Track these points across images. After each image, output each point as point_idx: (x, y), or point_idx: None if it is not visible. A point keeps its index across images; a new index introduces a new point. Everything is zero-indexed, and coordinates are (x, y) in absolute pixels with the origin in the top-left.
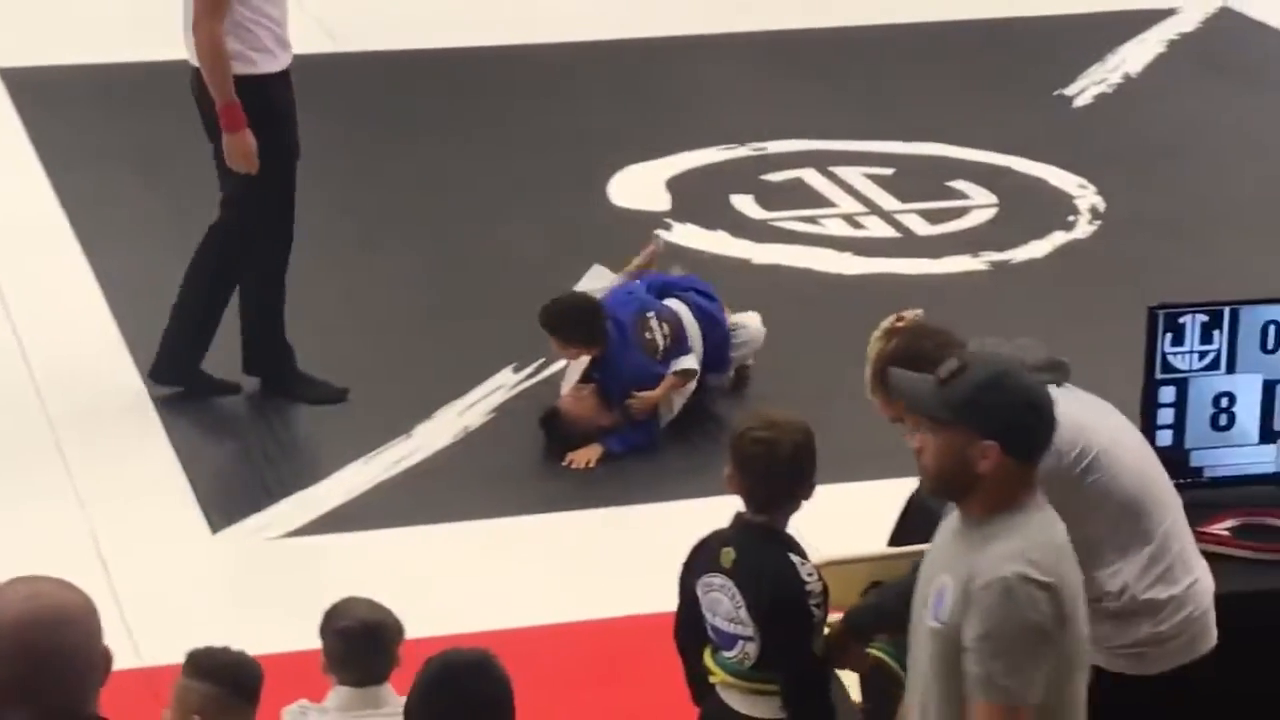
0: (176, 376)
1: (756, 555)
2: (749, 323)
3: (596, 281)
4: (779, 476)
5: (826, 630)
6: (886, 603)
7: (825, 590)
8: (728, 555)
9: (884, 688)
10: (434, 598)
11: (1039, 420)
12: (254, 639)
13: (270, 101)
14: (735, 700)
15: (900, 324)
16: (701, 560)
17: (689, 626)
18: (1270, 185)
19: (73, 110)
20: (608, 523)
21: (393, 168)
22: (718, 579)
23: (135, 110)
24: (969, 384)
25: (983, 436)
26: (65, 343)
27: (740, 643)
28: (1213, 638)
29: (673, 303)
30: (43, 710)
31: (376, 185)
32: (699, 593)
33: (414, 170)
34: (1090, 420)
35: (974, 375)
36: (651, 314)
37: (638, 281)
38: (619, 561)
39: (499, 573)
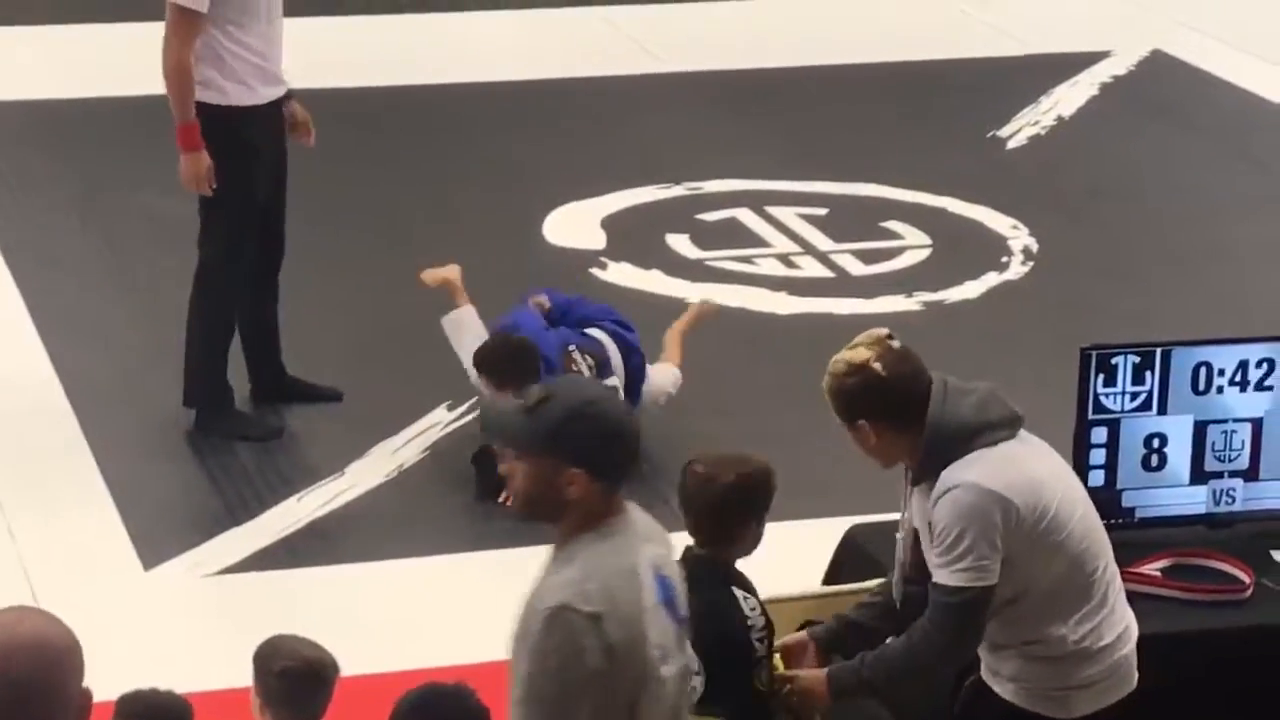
0: (207, 400)
1: (701, 591)
2: (661, 375)
3: (466, 333)
4: (716, 511)
5: (800, 676)
6: (870, 673)
7: (769, 625)
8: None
9: None
10: (367, 635)
11: (624, 447)
12: (187, 677)
13: (237, 134)
14: None
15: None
16: None
17: None
18: (1202, 226)
19: (8, 144)
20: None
21: (324, 204)
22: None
23: (71, 147)
24: (556, 414)
25: (571, 465)
26: (2, 376)
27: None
28: (1134, 680)
29: (594, 332)
30: None
31: (307, 222)
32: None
33: (346, 207)
34: (1044, 475)
35: (560, 405)
36: (573, 347)
37: (539, 312)
38: None
39: (433, 611)
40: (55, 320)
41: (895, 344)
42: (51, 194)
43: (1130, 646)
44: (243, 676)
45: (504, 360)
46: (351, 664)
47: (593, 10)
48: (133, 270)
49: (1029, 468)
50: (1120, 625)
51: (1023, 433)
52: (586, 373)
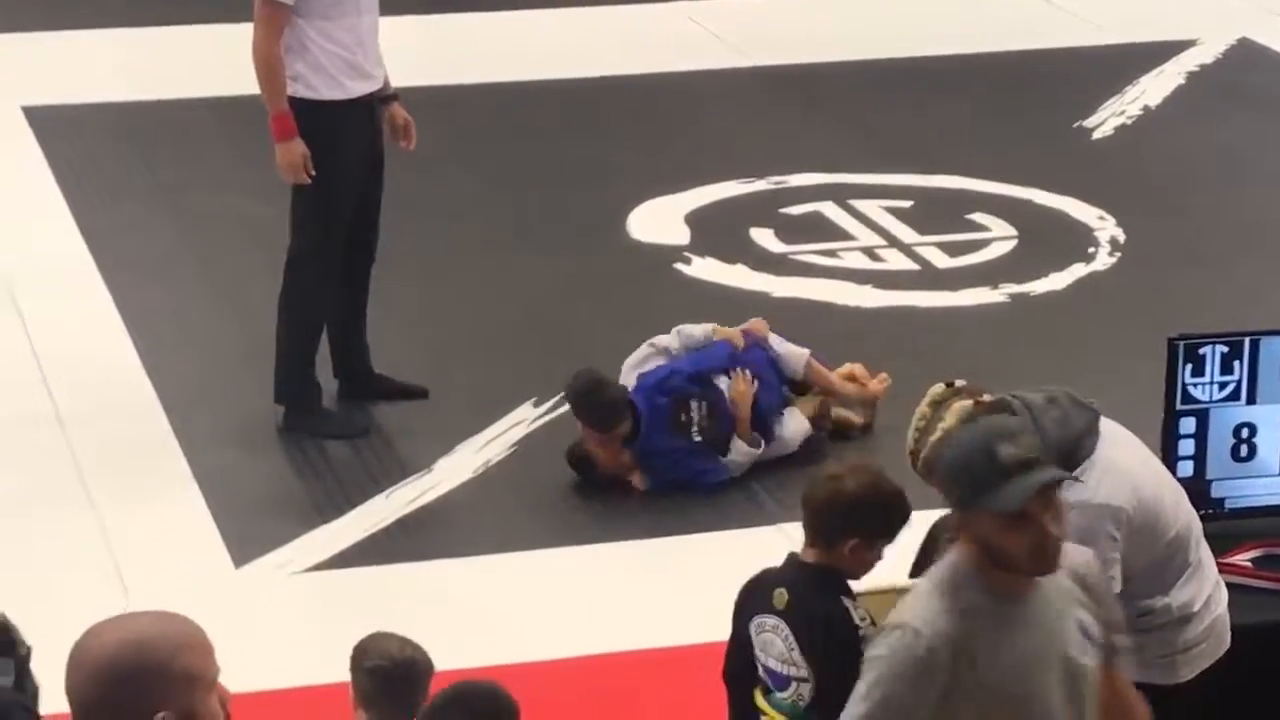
0: (296, 397)
1: (810, 597)
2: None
3: (647, 363)
4: (836, 518)
5: None
6: None
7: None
8: (781, 597)
9: None
10: (457, 631)
11: None
12: (278, 674)
13: (325, 128)
14: None
15: (962, 400)
16: (754, 601)
17: (739, 664)
18: None
19: (96, 147)
20: (632, 556)
21: (409, 202)
22: (770, 619)
23: (157, 147)
24: None
25: None
26: (89, 377)
27: (794, 684)
28: (1228, 640)
29: (720, 381)
30: None
31: (393, 219)
32: (751, 633)
33: (431, 205)
34: (1136, 468)
35: None
36: (694, 398)
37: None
38: (641, 595)
39: (522, 606)
40: (145, 320)
41: (963, 388)
42: (138, 196)
43: (1223, 606)
44: (333, 672)
45: (583, 401)
46: (442, 660)
47: (675, 6)
48: (221, 270)
49: (1123, 466)
50: (1211, 585)
51: (1101, 424)
52: (697, 422)
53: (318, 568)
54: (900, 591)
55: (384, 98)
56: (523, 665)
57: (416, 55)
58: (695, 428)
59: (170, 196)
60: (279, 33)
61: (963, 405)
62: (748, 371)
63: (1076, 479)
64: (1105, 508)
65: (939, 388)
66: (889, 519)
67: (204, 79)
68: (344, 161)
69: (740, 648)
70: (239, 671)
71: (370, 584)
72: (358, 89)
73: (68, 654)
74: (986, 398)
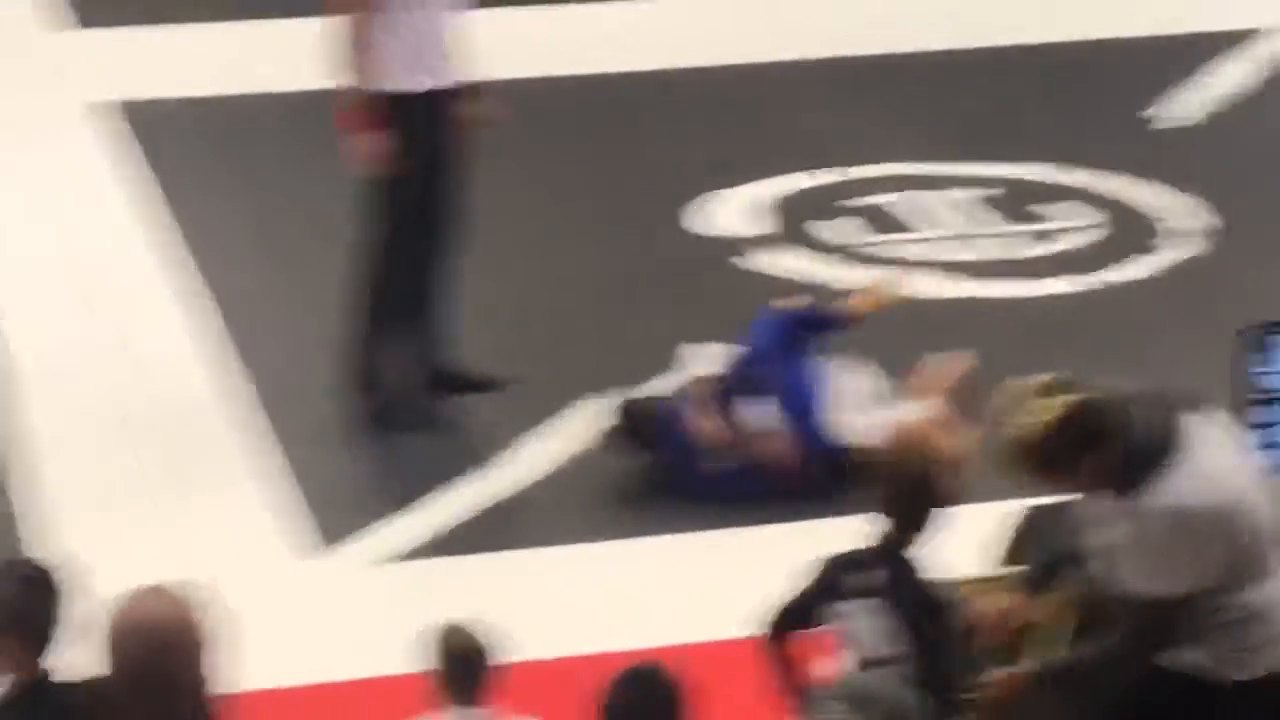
0: (376, 387)
1: (909, 574)
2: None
3: (697, 359)
4: (914, 499)
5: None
6: (1070, 675)
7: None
8: (876, 576)
9: None
10: (539, 621)
11: None
12: (360, 663)
13: (402, 120)
14: None
15: (1055, 398)
16: (847, 579)
17: (795, 620)
18: None
19: (186, 138)
20: (713, 545)
21: (482, 196)
22: (864, 600)
23: (246, 138)
24: None
25: None
26: (176, 369)
27: (889, 663)
28: None
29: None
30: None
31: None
32: (843, 611)
33: (498, 198)
34: (1227, 468)
35: None
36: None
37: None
38: (724, 585)
39: (604, 595)
40: (231, 312)
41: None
42: (228, 190)
43: None
44: (414, 662)
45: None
46: (525, 649)
47: None
48: (305, 262)
49: (1212, 466)
50: None
51: (1194, 419)
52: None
53: (398, 558)
54: (999, 581)
55: (463, 91)
56: (602, 655)
57: (482, 49)
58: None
59: (257, 190)
60: (364, 25)
61: (1052, 404)
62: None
63: None
64: (1187, 510)
65: (1035, 380)
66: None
67: (282, 74)
68: (412, 152)
69: (806, 608)
70: (321, 661)
71: (449, 574)
72: (437, 81)
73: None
74: (1080, 397)
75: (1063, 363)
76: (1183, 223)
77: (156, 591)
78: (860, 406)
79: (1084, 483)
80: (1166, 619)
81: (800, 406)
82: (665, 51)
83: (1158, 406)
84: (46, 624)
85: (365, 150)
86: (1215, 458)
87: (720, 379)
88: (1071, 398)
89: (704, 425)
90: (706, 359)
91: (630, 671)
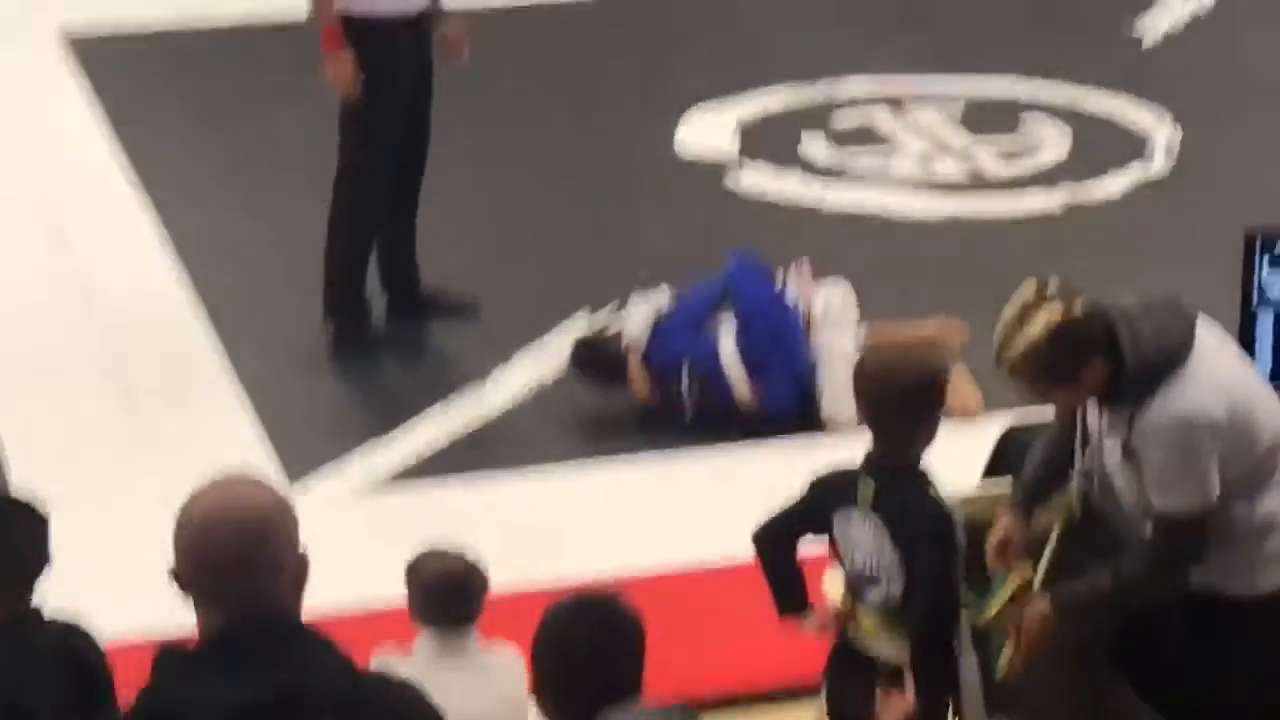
0: (346, 313)
1: (897, 487)
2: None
3: (637, 314)
4: (896, 412)
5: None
6: (1098, 595)
7: (964, 519)
8: (866, 491)
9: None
10: (521, 545)
11: None
12: (338, 593)
13: (373, 44)
14: (870, 643)
15: (1054, 305)
16: (837, 496)
17: (783, 529)
18: None
19: (138, 73)
20: (694, 466)
21: (455, 118)
22: (857, 514)
23: (199, 72)
24: None
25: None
26: (137, 302)
27: (882, 579)
28: None
29: (726, 343)
30: (234, 606)
31: (439, 135)
32: (835, 528)
33: (481, 120)
34: (1233, 378)
35: None
36: (685, 368)
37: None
38: (710, 507)
39: (584, 520)
40: (192, 241)
41: (1055, 292)
42: (183, 121)
43: None
44: (395, 591)
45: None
46: (503, 575)
47: None
48: (267, 189)
49: (1217, 376)
50: None
51: (1198, 326)
52: (685, 399)
53: (374, 486)
54: (998, 499)
55: (435, 14)
56: (586, 582)
57: None
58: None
59: (215, 119)
60: None
61: (1052, 312)
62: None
63: None
64: (1201, 419)
65: (1029, 289)
66: (942, 393)
67: (242, 4)
68: (393, 76)
69: (794, 521)
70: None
71: (429, 500)
72: (409, 5)
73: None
74: (1077, 304)
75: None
76: (1160, 136)
77: (233, 480)
78: (840, 323)
79: (1084, 394)
80: (1197, 533)
81: (708, 370)
82: None
83: (1166, 314)
84: (26, 559)
85: (335, 73)
86: (1225, 364)
87: (648, 335)
88: (1069, 303)
89: (634, 378)
90: (645, 308)
91: (579, 602)
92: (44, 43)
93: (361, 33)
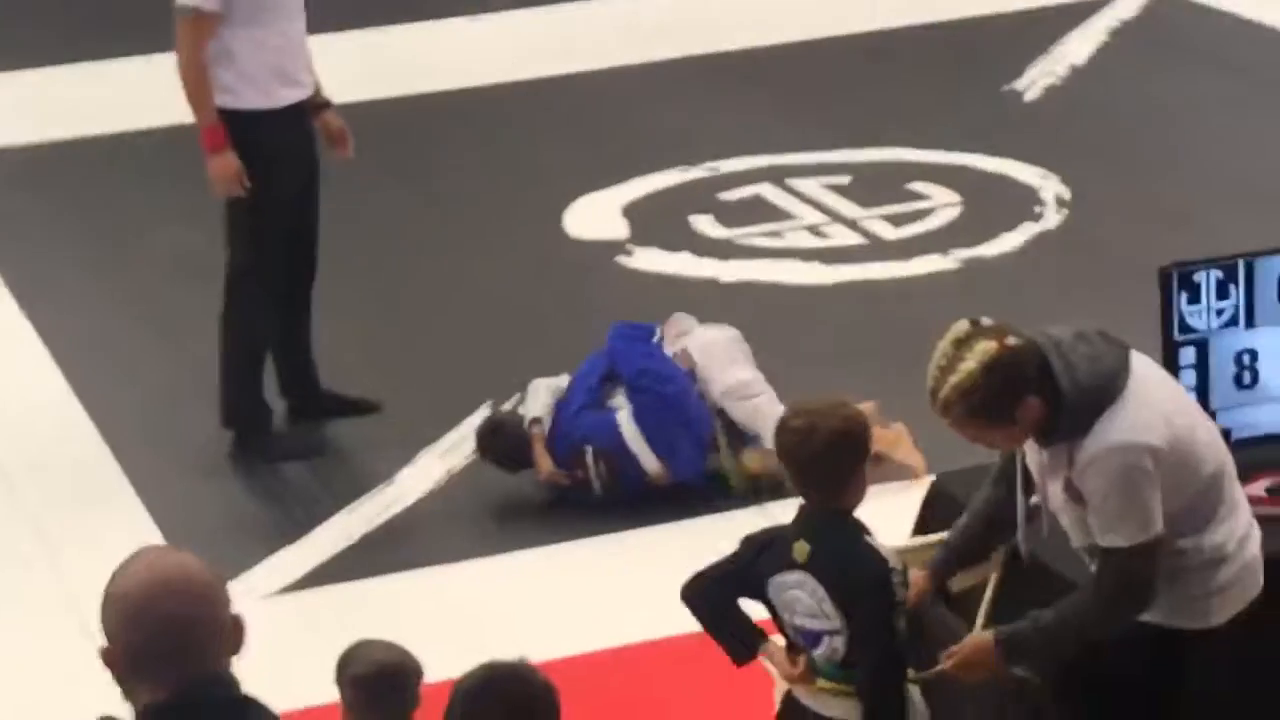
0: (245, 420)
1: (833, 542)
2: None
3: (538, 398)
4: (823, 463)
5: (964, 644)
6: (1046, 635)
7: (905, 569)
8: (801, 549)
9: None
10: (437, 641)
11: None
12: (264, 698)
13: (254, 138)
14: (819, 704)
15: (988, 340)
16: (770, 557)
17: (715, 590)
18: (1230, 158)
19: (11, 187)
20: (611, 550)
21: (343, 215)
22: (793, 575)
23: (76, 184)
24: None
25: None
26: (30, 423)
27: (825, 638)
28: (1261, 580)
29: (623, 418)
30: (176, 678)
31: (328, 233)
32: (770, 593)
33: (367, 216)
34: (1169, 403)
35: None
36: (589, 450)
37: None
38: (629, 588)
39: (503, 610)
40: (80, 358)
41: (988, 326)
42: (66, 236)
43: (1256, 545)
44: (315, 694)
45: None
46: (433, 668)
47: (584, 4)
48: (157, 303)
49: (1156, 403)
50: (1244, 524)
51: (1132, 356)
52: (597, 483)
53: (286, 590)
54: (912, 550)
55: (316, 105)
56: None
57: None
58: (597, 490)
59: (95, 234)
60: (204, 42)
61: (986, 346)
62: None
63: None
64: (1141, 446)
65: (962, 325)
66: (868, 440)
67: (115, 114)
68: (278, 172)
69: (724, 578)
70: None
71: (342, 601)
72: (289, 97)
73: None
74: (1011, 339)
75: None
76: (1047, 193)
77: (158, 551)
78: (727, 359)
79: (1020, 434)
80: (1147, 565)
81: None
82: (520, 63)
83: (1100, 343)
84: None
85: (218, 171)
86: (1163, 392)
87: (549, 419)
88: (1002, 337)
89: (540, 463)
90: (545, 392)
91: (490, 674)
92: None
93: (243, 128)
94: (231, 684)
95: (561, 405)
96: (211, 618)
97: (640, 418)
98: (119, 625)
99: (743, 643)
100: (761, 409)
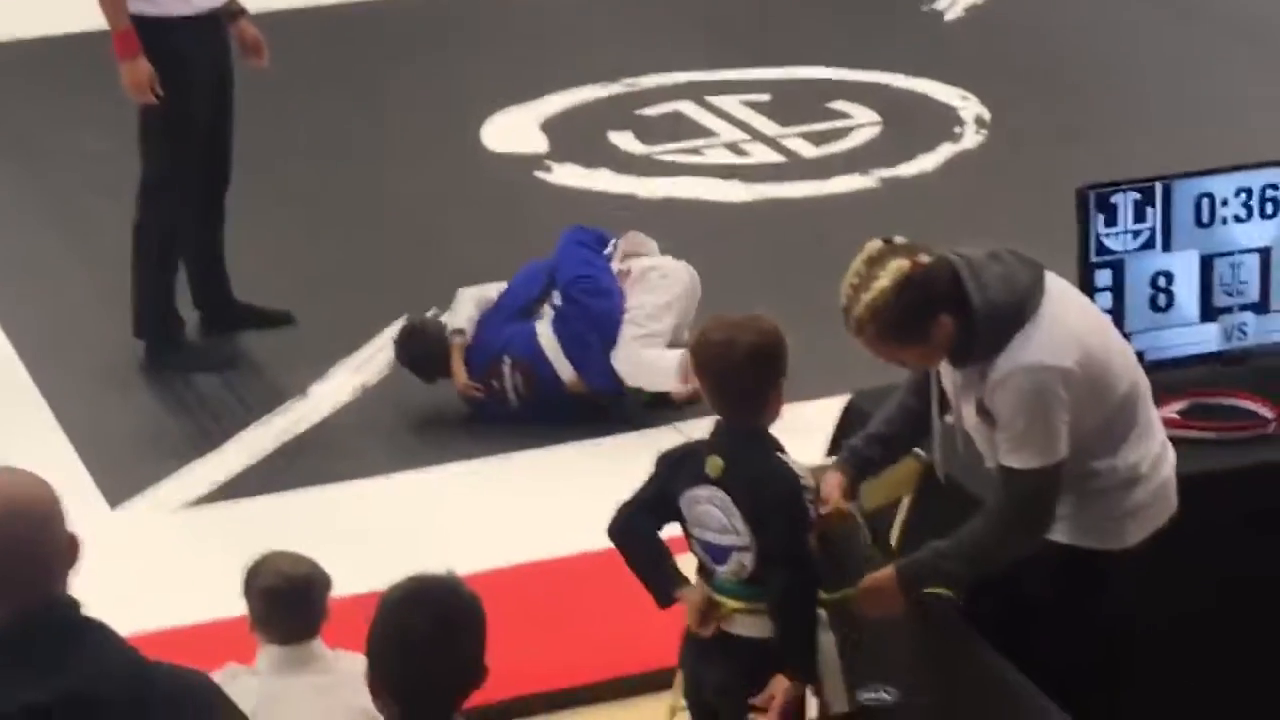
0: (157, 331)
1: (746, 458)
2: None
3: (463, 308)
4: (742, 375)
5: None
6: (946, 564)
7: (816, 487)
8: (715, 464)
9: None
10: (346, 555)
11: None
12: (164, 612)
13: (170, 46)
14: (727, 623)
15: (900, 258)
16: (683, 473)
17: (641, 520)
18: (1151, 79)
19: None
20: (519, 467)
21: (260, 126)
22: (704, 490)
23: None
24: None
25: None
26: None
27: (734, 554)
28: (1175, 502)
29: (541, 327)
30: (20, 602)
31: (244, 143)
32: (682, 507)
33: (285, 131)
34: (1083, 325)
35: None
36: (506, 360)
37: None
38: (533, 505)
39: (411, 526)
40: None
41: (901, 245)
42: None
43: (1171, 467)
44: (224, 607)
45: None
46: (343, 582)
47: None
48: (69, 210)
49: (1069, 325)
50: (1158, 445)
51: (1046, 276)
52: (512, 395)
53: (197, 502)
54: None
55: (231, 14)
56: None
57: None
58: (511, 402)
59: (5, 141)
60: None
61: (899, 264)
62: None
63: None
64: (1053, 369)
65: (875, 244)
66: (785, 356)
67: (29, 19)
68: (193, 80)
69: (647, 506)
70: (127, 613)
71: (253, 514)
72: (203, 4)
73: None
74: (924, 256)
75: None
76: (967, 114)
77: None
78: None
79: (934, 354)
80: (1048, 490)
81: (528, 356)
82: None
83: (1013, 262)
84: None
85: (131, 78)
86: (1076, 312)
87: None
88: (917, 258)
89: (456, 373)
90: (469, 301)
91: (410, 587)
92: None
93: (156, 35)
94: (72, 605)
95: (488, 315)
96: (53, 538)
97: (559, 326)
98: None
99: (663, 587)
100: (645, 359)
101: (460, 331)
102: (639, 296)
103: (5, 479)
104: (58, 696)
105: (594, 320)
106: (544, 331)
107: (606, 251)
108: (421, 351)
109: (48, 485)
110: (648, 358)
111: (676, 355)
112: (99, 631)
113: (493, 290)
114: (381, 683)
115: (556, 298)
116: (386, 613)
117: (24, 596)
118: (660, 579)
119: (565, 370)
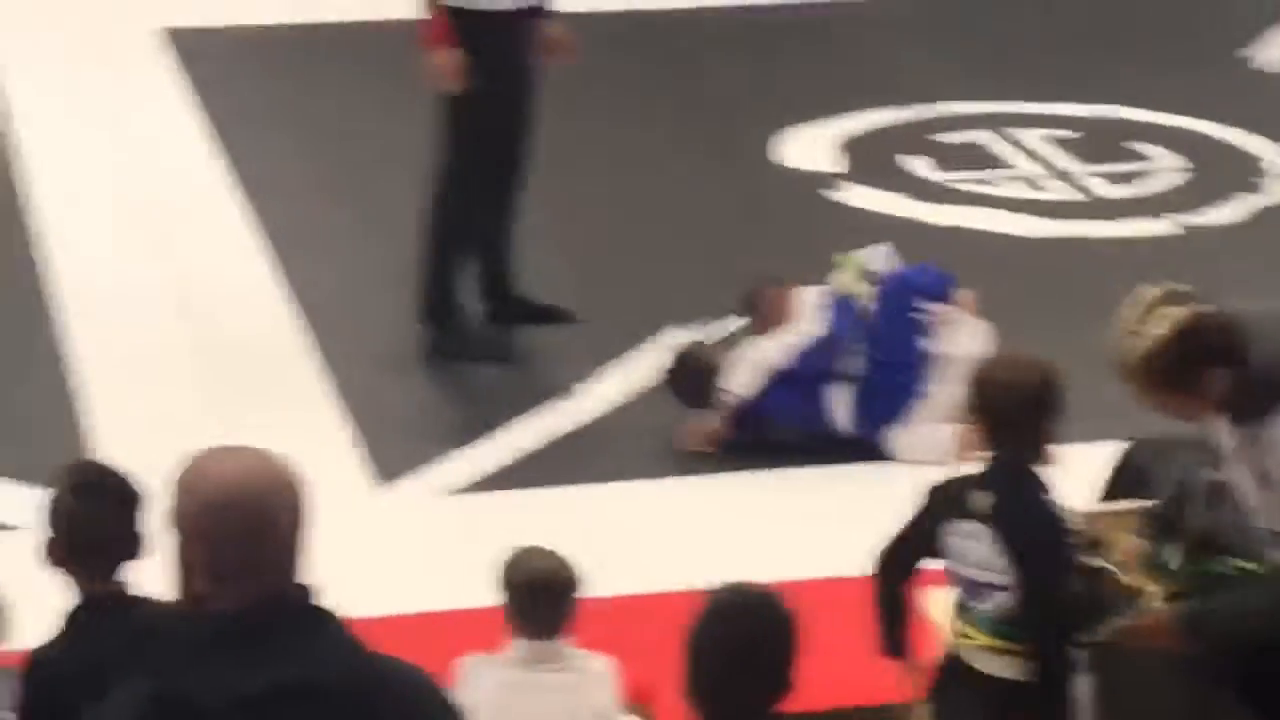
0: (441, 318)
1: (1015, 496)
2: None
3: (740, 372)
4: (1021, 418)
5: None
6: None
7: (1091, 540)
8: (982, 499)
9: None
10: (609, 557)
11: None
12: (425, 596)
13: (478, 40)
14: (981, 661)
15: (1178, 306)
16: (947, 506)
17: (904, 555)
18: None
19: (238, 69)
20: (784, 482)
21: (560, 124)
22: (968, 525)
23: (301, 69)
24: None
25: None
26: (232, 300)
27: (994, 593)
28: None
29: (838, 396)
30: (258, 586)
31: (546, 146)
32: (944, 539)
33: (582, 127)
34: None
35: None
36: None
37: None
38: (798, 523)
39: (672, 533)
40: (288, 241)
41: (1180, 294)
42: (281, 120)
43: None
44: (478, 595)
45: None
46: (596, 584)
47: None
48: (366, 190)
49: None
50: None
51: None
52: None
53: (463, 490)
54: (1131, 513)
55: (541, 14)
56: (675, 593)
57: None
58: None
59: (316, 117)
60: None
61: (1176, 312)
62: None
63: None
64: None
65: (1153, 290)
66: (1062, 399)
67: (347, 4)
68: (498, 75)
69: (915, 541)
70: (383, 593)
71: (517, 507)
72: (516, 2)
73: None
74: (1202, 307)
75: None
76: (1272, 166)
77: (242, 452)
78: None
79: (1205, 404)
80: None
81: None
82: None
83: None
84: (115, 535)
85: (439, 67)
86: None
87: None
88: (1196, 309)
89: (709, 430)
90: (751, 371)
91: (735, 597)
92: (144, 38)
93: (469, 27)
94: (304, 597)
95: (775, 388)
96: (291, 525)
97: (864, 400)
98: (196, 519)
99: (891, 639)
100: (921, 435)
101: (738, 395)
102: (948, 385)
103: (241, 460)
104: (287, 682)
105: (893, 400)
106: (842, 418)
107: (936, 304)
108: (688, 384)
109: (289, 469)
110: (923, 432)
111: (950, 431)
112: (329, 621)
113: (774, 354)
114: (696, 685)
115: (861, 364)
116: (711, 619)
117: (258, 585)
118: (890, 633)
119: (844, 424)
